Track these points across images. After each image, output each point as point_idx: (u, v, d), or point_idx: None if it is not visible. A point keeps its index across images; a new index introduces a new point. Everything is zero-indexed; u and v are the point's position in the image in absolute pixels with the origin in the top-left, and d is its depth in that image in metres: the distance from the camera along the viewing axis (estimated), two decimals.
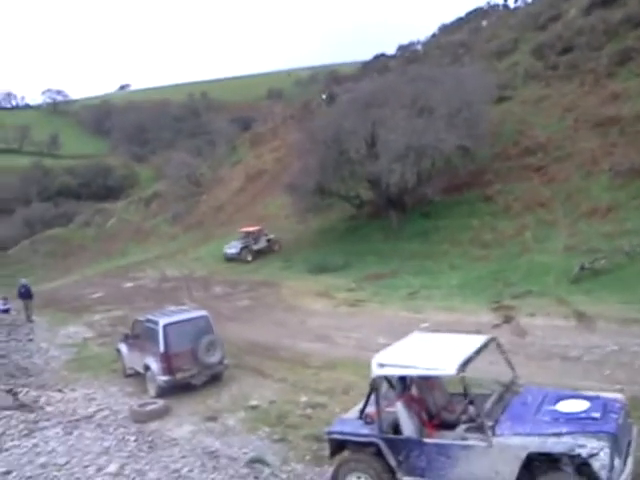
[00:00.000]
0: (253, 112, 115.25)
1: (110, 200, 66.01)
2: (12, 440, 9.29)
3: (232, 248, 33.15)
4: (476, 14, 47.78)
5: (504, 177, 27.17)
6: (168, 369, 13.22)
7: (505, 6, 47.40)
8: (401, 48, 55.45)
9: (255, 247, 32.77)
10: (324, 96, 54.53)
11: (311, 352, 15.21)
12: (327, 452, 8.17)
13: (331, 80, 58.85)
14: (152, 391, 13.63)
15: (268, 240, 33.36)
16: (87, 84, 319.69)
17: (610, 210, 21.16)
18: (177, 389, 13.35)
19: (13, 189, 74.26)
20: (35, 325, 23.92)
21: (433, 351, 7.25)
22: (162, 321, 13.57)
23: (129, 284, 31.94)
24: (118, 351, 16.00)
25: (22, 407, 11.12)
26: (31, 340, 21.27)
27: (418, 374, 7.17)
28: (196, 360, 13.38)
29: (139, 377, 14.90)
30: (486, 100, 29.10)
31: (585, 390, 8.30)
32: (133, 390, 14.47)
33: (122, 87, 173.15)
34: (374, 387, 7.19)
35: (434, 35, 52.78)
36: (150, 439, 10.02)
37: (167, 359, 13.23)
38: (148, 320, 14.29)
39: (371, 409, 7.32)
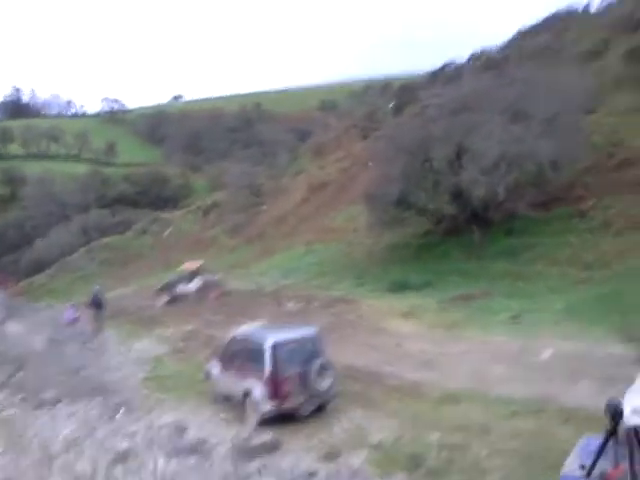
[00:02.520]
0: (306, 123, 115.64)
1: (166, 209, 65.84)
2: None
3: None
4: (555, 19, 45.37)
5: (597, 191, 25.06)
6: (275, 395, 11.83)
7: (585, 10, 44.82)
8: (473, 55, 53.40)
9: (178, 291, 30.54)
10: (391, 105, 53.29)
11: (420, 381, 13.66)
12: None
13: (399, 89, 57.33)
14: (253, 420, 12.22)
15: (205, 284, 30.35)
16: (142, 94, 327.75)
17: None
18: (280, 419, 11.99)
19: (73, 196, 75.17)
20: (106, 337, 23.04)
21: None
22: (270, 340, 12.18)
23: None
24: (207, 374, 14.69)
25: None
26: (104, 353, 20.33)
27: None
28: (305, 386, 11.99)
29: (233, 402, 13.67)
30: (583, 107, 27.15)
31: None
32: (228, 417, 13.13)
33: (175, 98, 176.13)
34: (627, 440, 5.47)
35: (511, 40, 50.56)
36: None
37: (275, 384, 11.84)
38: (249, 338, 12.97)
39: (606, 467, 5.70)
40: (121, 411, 9.75)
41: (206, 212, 56.08)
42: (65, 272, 50.10)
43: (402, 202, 27.69)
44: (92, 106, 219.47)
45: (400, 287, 24.75)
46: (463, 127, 25.22)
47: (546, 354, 13.98)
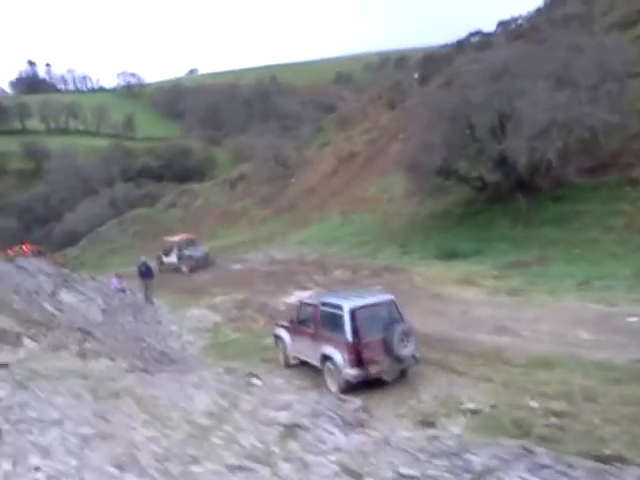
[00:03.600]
0: (323, 96, 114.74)
1: (191, 182, 65.36)
2: None
3: None
4: None
5: None
6: (358, 361, 11.43)
7: None
8: (501, 24, 52.19)
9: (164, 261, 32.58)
10: (416, 75, 52.37)
11: (500, 346, 13.15)
12: None
13: (424, 60, 56.27)
14: (333, 386, 11.88)
15: (179, 257, 31.89)
16: (158, 68, 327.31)
17: None
18: (363, 385, 11.63)
19: (97, 169, 74.97)
20: (157, 307, 22.80)
21: None
22: (347, 305, 11.76)
23: (237, 266, 30.55)
24: (277, 338, 14.39)
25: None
26: (159, 323, 20.08)
27: None
28: (389, 352, 11.58)
29: (304, 368, 13.36)
30: (628, 72, 26.26)
31: None
32: (303, 384, 12.73)
33: (191, 71, 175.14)
34: None
35: (539, 10, 49.35)
36: None
37: (357, 350, 11.45)
38: (325, 304, 12.50)
39: None
40: (256, 380, 9.14)
41: (233, 184, 55.50)
42: (96, 245, 50.06)
43: (443, 170, 27.09)
44: (108, 80, 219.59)
45: (448, 255, 24.23)
46: (505, 93, 24.47)
47: (632, 319, 13.44)
